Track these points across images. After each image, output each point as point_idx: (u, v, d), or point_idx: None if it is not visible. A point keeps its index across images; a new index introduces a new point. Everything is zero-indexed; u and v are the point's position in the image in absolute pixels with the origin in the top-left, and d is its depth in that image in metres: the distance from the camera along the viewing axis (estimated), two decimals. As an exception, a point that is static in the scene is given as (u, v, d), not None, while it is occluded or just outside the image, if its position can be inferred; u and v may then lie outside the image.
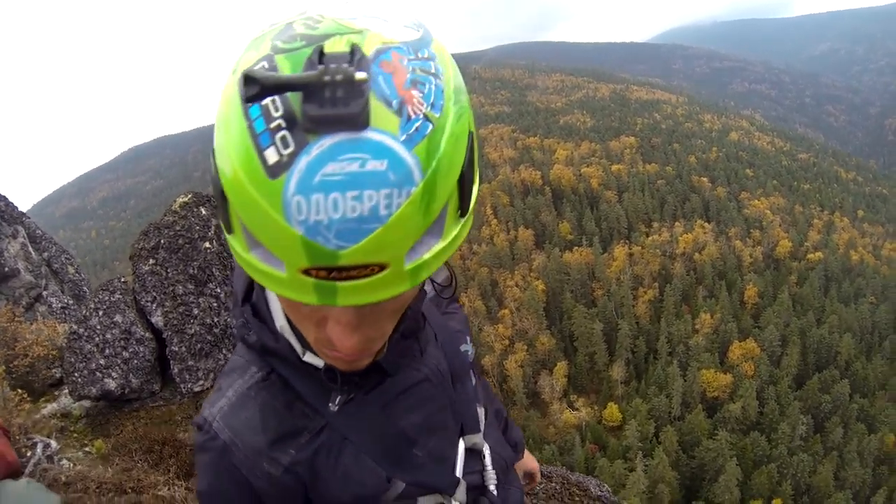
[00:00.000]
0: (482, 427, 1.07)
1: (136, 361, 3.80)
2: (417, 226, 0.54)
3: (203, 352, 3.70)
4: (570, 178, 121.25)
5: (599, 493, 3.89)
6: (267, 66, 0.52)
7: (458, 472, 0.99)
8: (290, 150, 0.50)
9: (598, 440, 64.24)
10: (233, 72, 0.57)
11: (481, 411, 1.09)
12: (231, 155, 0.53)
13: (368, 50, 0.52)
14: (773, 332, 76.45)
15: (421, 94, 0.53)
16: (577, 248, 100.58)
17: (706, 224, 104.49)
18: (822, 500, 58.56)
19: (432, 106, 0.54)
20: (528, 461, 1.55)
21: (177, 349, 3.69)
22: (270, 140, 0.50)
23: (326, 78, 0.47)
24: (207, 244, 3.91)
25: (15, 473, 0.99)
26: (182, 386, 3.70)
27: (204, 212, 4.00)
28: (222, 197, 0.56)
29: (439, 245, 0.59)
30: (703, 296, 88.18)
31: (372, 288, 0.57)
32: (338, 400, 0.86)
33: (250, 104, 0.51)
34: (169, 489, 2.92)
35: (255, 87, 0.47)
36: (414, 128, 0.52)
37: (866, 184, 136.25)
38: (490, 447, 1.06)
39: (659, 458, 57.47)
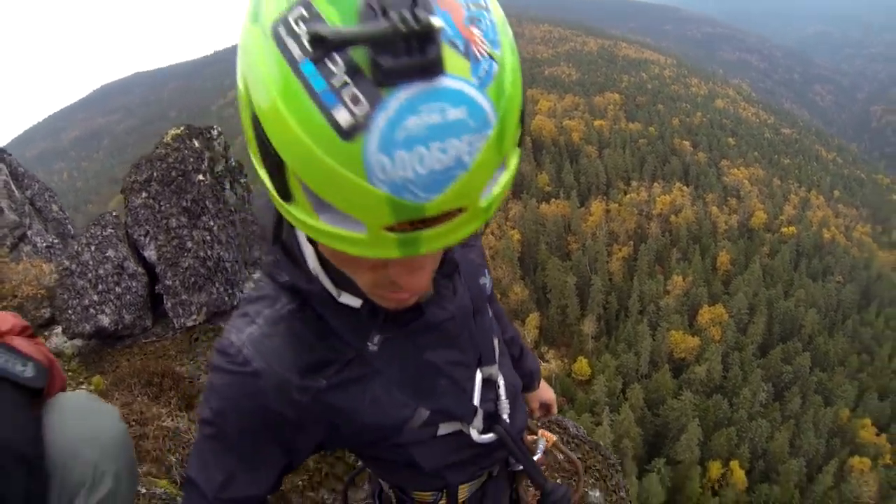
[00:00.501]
0: (497, 358, 1.12)
1: (128, 297, 3.87)
2: (494, 165, 0.56)
3: (197, 285, 3.74)
4: (551, 129, 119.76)
5: (576, 432, 4.00)
6: (306, 14, 0.49)
7: (476, 401, 1.05)
8: (363, 107, 0.47)
9: (566, 393, 64.92)
10: (253, 20, 0.53)
11: (496, 342, 1.14)
12: (289, 120, 0.50)
13: None
14: (742, 300, 78.38)
15: (481, 32, 0.52)
16: (554, 200, 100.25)
17: (685, 187, 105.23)
18: (776, 465, 61.05)
19: (492, 43, 0.53)
20: (545, 392, 1.60)
21: (170, 283, 3.73)
22: (336, 99, 0.48)
23: (402, 28, 0.45)
24: (201, 177, 3.93)
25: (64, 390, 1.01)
26: (175, 320, 3.76)
27: (197, 144, 4.02)
28: (276, 165, 0.54)
29: (505, 177, 0.60)
30: (677, 258, 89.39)
31: (452, 231, 0.58)
32: (377, 339, 0.90)
33: (304, 62, 0.48)
34: (172, 420, 3.01)
35: (323, 48, 0.46)
36: (483, 70, 0.51)
37: (845, 166, 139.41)
38: (504, 377, 1.12)
39: (625, 414, 58.78)
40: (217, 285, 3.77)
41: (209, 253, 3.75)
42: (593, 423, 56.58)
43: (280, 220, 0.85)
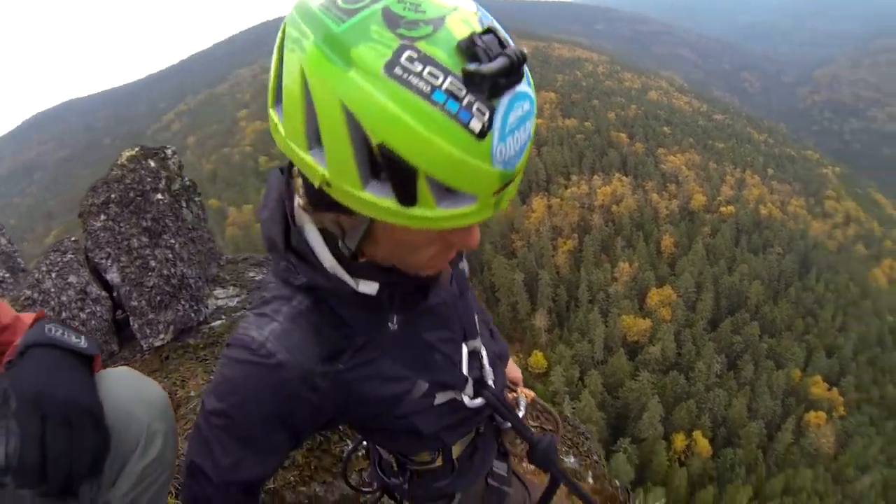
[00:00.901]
0: (479, 332, 1.32)
1: (93, 322, 3.79)
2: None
3: (163, 304, 3.74)
4: None
5: (543, 406, 4.65)
6: (416, 56, 0.67)
7: (465, 371, 1.24)
8: (486, 115, 0.69)
9: (525, 387, 67.15)
10: (345, 67, 0.68)
11: (476, 318, 1.34)
12: (429, 135, 0.67)
13: (484, 20, 0.75)
14: (689, 280, 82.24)
15: (512, 42, 0.74)
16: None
17: (624, 177, 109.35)
18: (737, 429, 64.34)
19: (515, 48, 0.72)
20: (512, 370, 1.79)
21: (136, 304, 3.69)
22: (469, 114, 0.68)
23: (516, 60, 0.69)
24: (159, 195, 3.97)
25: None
26: (143, 342, 3.71)
27: (153, 164, 4.06)
28: (405, 176, 0.71)
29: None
30: (622, 246, 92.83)
31: (515, 187, 0.81)
32: (395, 319, 1.07)
33: (434, 92, 0.67)
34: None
35: (472, 81, 0.68)
36: (526, 71, 0.74)
37: (776, 145, 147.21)
38: (485, 347, 1.33)
39: (585, 400, 60.73)
40: (183, 302, 3.81)
41: (173, 271, 3.78)
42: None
43: (288, 230, 0.99)
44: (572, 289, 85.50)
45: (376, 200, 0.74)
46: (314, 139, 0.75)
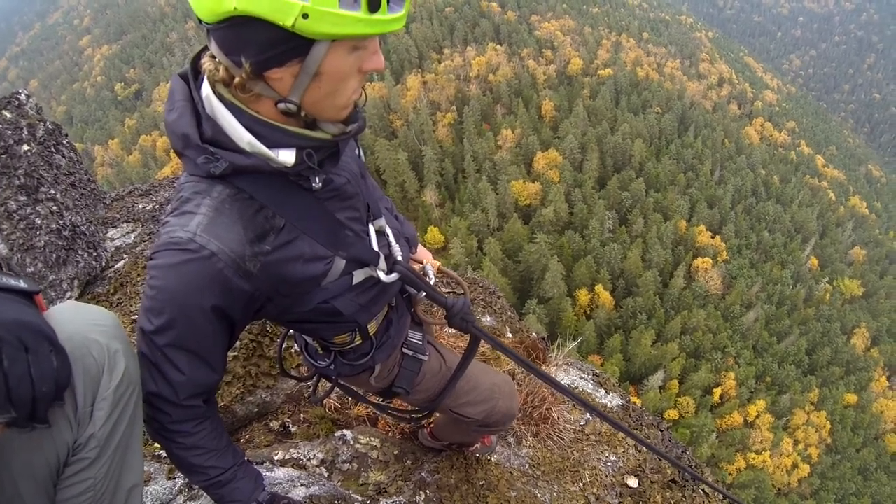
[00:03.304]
0: (382, 212, 1.52)
1: None
2: None
3: (60, 260, 3.63)
4: None
5: (454, 274, 4.73)
6: None
7: (375, 247, 1.41)
8: None
9: (424, 264, 68.98)
10: None
11: (379, 202, 1.54)
12: None
13: None
14: (573, 141, 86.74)
15: None
16: (368, 83, 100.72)
17: (498, 47, 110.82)
18: (634, 279, 71.27)
19: None
20: (422, 253, 1.97)
21: (33, 269, 3.53)
22: None
23: None
24: (25, 147, 3.79)
25: None
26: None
27: (9, 115, 3.83)
28: None
29: None
30: (503, 114, 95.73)
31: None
32: (318, 178, 1.21)
33: None
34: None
35: None
36: None
37: (651, 10, 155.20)
38: (390, 227, 1.52)
39: (487, 268, 63.94)
40: (80, 252, 3.78)
41: (61, 222, 3.73)
42: (458, 281, 61.24)
43: (199, 122, 1.12)
44: (458, 161, 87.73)
45: (350, 13, 0.97)
46: None
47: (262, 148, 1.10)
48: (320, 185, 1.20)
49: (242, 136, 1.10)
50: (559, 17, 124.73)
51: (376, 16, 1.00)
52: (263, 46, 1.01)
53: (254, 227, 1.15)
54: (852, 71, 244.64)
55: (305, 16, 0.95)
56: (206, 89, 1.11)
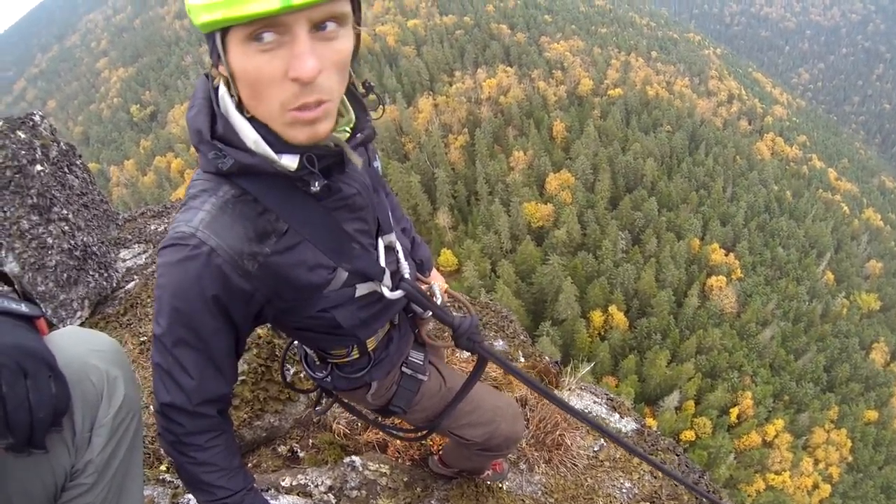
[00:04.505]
0: (393, 228, 1.48)
1: None
2: None
3: (71, 280, 3.61)
4: (365, 38, 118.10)
5: (464, 299, 5.17)
6: None
7: (382, 262, 1.40)
8: None
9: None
10: None
11: (391, 216, 1.50)
12: None
13: None
14: (584, 162, 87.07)
15: None
16: (380, 106, 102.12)
17: (508, 68, 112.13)
18: (648, 300, 71.04)
19: None
20: (435, 277, 1.99)
21: (43, 288, 3.50)
22: None
23: None
24: (39, 167, 3.74)
25: None
26: (60, 325, 3.50)
27: (23, 135, 3.77)
28: None
29: None
30: (514, 135, 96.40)
31: None
32: (317, 183, 1.15)
33: None
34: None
35: None
36: None
37: (658, 28, 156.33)
38: (400, 244, 1.49)
39: (501, 290, 64.35)
40: (91, 273, 3.80)
41: (73, 242, 3.75)
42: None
43: (214, 119, 1.15)
44: (470, 183, 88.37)
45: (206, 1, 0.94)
46: None
47: (265, 148, 1.11)
48: (318, 188, 1.17)
49: (249, 135, 1.11)
50: (568, 37, 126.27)
51: None
52: (210, 49, 1.05)
53: (255, 228, 1.17)
54: (861, 82, 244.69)
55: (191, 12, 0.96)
56: (222, 88, 1.14)
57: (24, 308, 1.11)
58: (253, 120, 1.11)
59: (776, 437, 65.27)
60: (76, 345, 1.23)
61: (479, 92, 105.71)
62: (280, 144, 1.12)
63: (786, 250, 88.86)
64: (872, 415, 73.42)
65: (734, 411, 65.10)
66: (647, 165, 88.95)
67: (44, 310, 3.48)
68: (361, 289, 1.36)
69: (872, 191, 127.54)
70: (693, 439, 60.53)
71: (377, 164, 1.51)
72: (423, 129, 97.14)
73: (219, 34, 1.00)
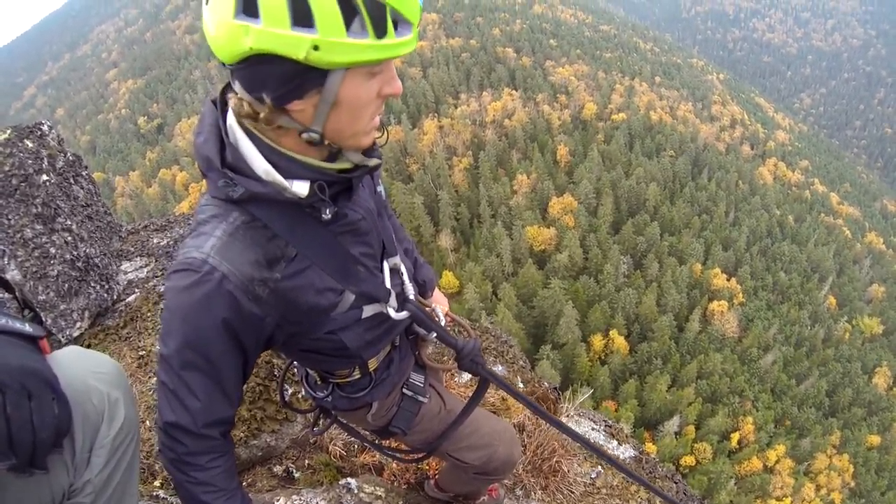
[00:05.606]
0: (399, 251, 1.55)
1: None
2: None
3: (72, 290, 3.63)
4: None
5: (465, 323, 5.37)
6: None
7: (388, 284, 1.45)
8: None
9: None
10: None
11: (395, 239, 1.58)
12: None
13: None
14: (587, 186, 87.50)
15: None
16: (385, 127, 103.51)
17: (513, 92, 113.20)
18: (650, 324, 71.14)
19: None
20: (438, 298, 2.07)
21: (44, 297, 3.51)
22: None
23: None
24: (45, 177, 3.77)
25: None
26: (59, 335, 3.56)
27: (31, 144, 3.79)
28: (379, 11, 1.03)
29: None
30: (518, 159, 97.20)
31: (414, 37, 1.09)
32: (328, 210, 1.22)
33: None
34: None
35: None
36: None
37: (662, 54, 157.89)
38: (404, 266, 1.55)
39: (502, 313, 64.50)
40: (93, 284, 3.82)
41: (75, 253, 3.75)
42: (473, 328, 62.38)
43: (223, 147, 1.19)
44: (473, 206, 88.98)
45: (358, 41, 1.01)
46: (299, 14, 0.98)
47: (277, 177, 1.14)
48: (330, 216, 1.22)
49: (259, 165, 1.15)
50: (573, 62, 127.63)
51: (384, 41, 1.03)
52: (282, 81, 1.06)
53: (265, 253, 1.19)
54: (863, 107, 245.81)
55: (316, 48, 0.99)
56: (231, 118, 1.17)
57: (28, 328, 1.13)
58: (260, 147, 1.16)
59: (777, 462, 64.74)
60: (78, 366, 1.25)
61: (484, 115, 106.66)
62: (290, 171, 1.17)
63: (788, 275, 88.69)
64: (875, 440, 72.67)
65: (735, 436, 64.68)
66: (650, 190, 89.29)
67: (44, 319, 3.58)
68: (368, 310, 1.41)
69: (875, 215, 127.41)
70: (693, 464, 60.09)
71: (381, 188, 1.59)
72: (428, 151, 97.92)
73: (344, 70, 1.06)
